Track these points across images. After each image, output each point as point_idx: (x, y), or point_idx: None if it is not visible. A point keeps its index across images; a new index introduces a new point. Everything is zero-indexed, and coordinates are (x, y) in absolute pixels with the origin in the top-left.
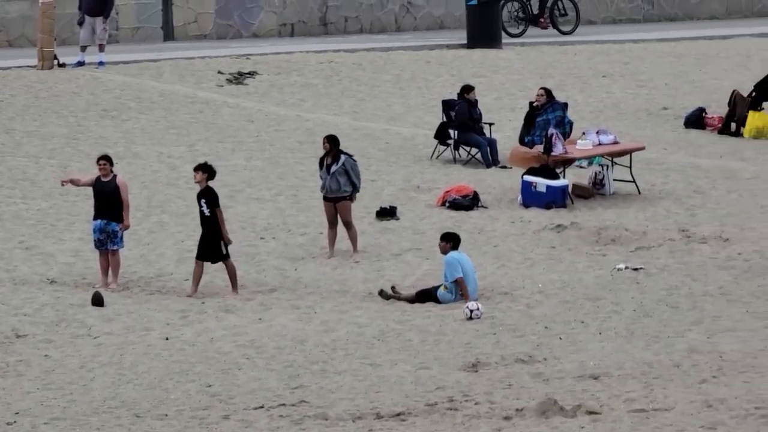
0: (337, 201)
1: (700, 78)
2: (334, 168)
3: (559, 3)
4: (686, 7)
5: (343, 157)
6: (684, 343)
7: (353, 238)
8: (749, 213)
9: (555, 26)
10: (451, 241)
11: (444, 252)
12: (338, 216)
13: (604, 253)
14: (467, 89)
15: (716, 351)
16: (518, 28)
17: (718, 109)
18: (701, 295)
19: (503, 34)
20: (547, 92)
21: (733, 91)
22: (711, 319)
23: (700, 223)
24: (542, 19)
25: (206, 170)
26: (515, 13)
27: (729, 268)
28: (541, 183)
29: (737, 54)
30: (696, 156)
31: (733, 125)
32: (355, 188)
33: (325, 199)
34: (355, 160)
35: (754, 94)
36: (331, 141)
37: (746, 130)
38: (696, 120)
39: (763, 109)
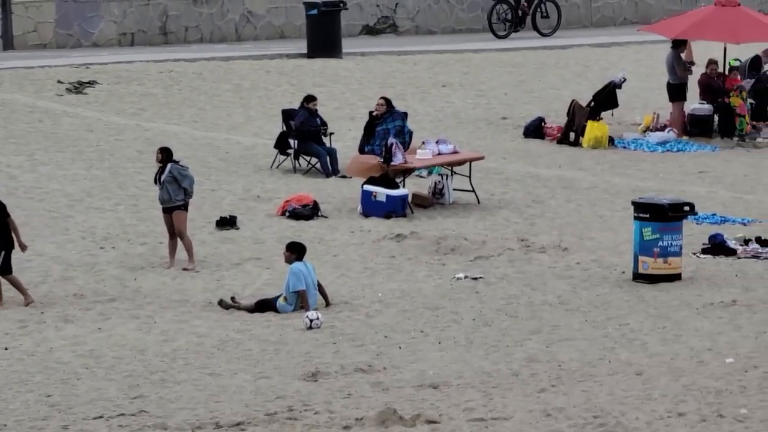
0: (172, 211)
1: (539, 88)
2: (162, 178)
3: (542, 6)
4: None
5: (169, 166)
6: (523, 352)
7: (188, 248)
8: (587, 222)
9: (536, 28)
10: (296, 251)
11: (288, 262)
12: None
13: (443, 263)
14: (309, 99)
15: (555, 360)
16: (505, 29)
17: (557, 119)
18: (540, 304)
19: (491, 34)
20: (387, 102)
21: (572, 101)
22: (550, 328)
23: (539, 232)
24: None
25: None
26: (503, 15)
27: (567, 277)
28: (381, 192)
29: (576, 64)
30: (535, 165)
31: (572, 135)
32: (187, 194)
33: (163, 210)
34: (183, 166)
35: (592, 103)
36: (163, 152)
37: (585, 140)
38: (535, 129)
39: (601, 118)
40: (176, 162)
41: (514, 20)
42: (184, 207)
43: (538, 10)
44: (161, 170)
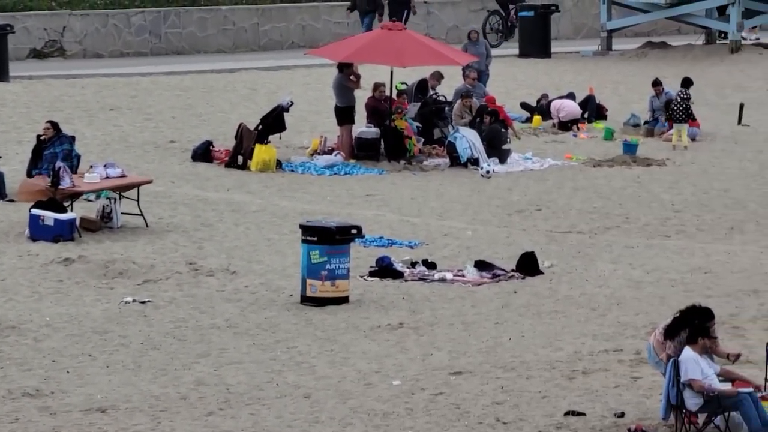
0: None
1: (207, 111)
2: None
3: None
4: (193, 41)
5: None
6: (191, 375)
7: None
8: (256, 246)
9: None
10: None
11: None
12: None
13: (111, 287)
14: None
15: (223, 383)
16: (496, 39)
17: (225, 142)
18: (208, 327)
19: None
20: (54, 125)
21: (240, 124)
22: (218, 351)
23: (208, 255)
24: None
25: None
26: (495, 26)
27: (236, 300)
28: (49, 216)
29: (244, 87)
30: (203, 189)
31: (240, 158)
32: None
33: None
34: None
35: (260, 127)
36: None
37: (253, 163)
38: (203, 153)
39: (269, 142)
40: None
41: (504, 31)
42: None
43: None
44: None
